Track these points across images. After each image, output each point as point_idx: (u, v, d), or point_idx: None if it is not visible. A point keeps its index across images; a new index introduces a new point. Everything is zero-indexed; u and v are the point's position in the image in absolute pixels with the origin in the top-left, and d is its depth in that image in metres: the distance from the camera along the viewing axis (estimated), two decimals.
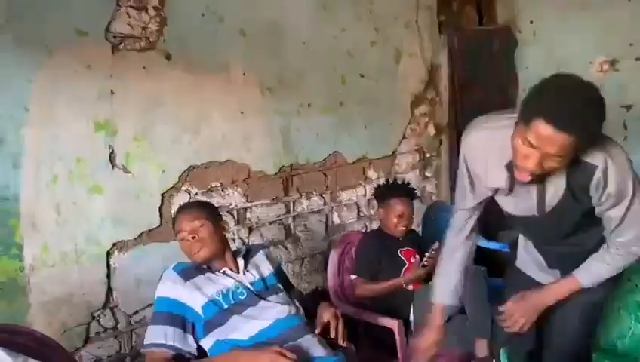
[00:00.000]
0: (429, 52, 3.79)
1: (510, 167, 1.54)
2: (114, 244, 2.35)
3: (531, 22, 4.25)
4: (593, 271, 1.69)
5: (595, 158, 1.46)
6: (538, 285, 1.82)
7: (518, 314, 1.74)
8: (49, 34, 2.12)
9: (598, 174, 1.47)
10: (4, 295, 2.07)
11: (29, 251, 2.11)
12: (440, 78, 3.87)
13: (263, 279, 1.98)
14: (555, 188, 1.57)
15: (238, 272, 1.95)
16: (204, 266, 1.91)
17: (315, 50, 3.04)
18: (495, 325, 2.03)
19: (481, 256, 2.09)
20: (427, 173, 3.89)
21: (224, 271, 1.92)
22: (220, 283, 1.87)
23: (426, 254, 2.61)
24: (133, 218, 2.39)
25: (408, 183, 2.84)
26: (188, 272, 1.84)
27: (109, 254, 2.34)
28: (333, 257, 2.74)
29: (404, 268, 2.64)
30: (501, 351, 1.89)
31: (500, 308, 1.78)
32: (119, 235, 2.36)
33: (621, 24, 3.76)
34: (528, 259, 1.92)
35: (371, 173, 3.44)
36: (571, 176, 1.52)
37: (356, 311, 2.51)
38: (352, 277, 2.65)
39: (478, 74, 4.01)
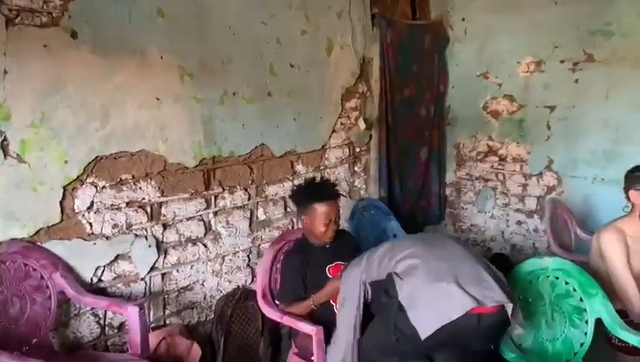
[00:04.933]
0: (362, 44, 3.68)
1: None
2: None
3: (463, 19, 4.27)
4: None
5: None
6: None
7: None
8: None
9: None
10: None
11: None
12: (371, 72, 3.77)
13: None
14: None
15: None
16: None
17: (242, 36, 2.86)
18: None
19: None
20: (356, 168, 3.81)
21: None
22: None
23: None
24: (29, 213, 2.14)
25: (328, 181, 2.67)
26: None
27: None
28: (267, 255, 2.55)
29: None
30: None
31: None
32: (12, 232, 2.11)
33: (548, 26, 3.83)
34: None
35: (300, 168, 3.31)
36: None
37: (279, 316, 2.37)
38: (277, 302, 2.45)
39: (409, 69, 3.96)
